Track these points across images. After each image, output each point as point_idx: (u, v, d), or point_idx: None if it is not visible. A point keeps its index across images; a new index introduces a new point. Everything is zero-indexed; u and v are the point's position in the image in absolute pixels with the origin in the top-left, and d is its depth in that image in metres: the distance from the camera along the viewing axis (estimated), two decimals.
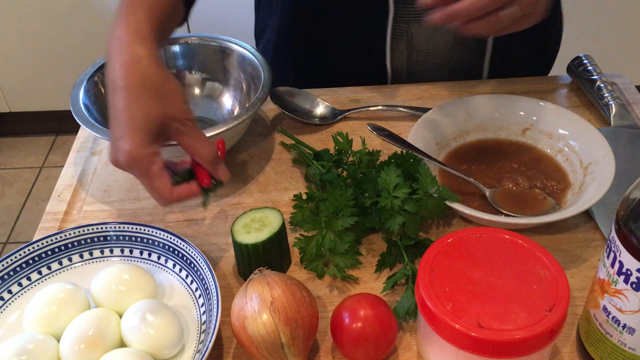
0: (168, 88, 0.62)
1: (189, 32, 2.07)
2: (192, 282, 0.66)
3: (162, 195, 0.62)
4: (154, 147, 0.61)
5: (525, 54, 0.95)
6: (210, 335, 0.57)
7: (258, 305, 0.56)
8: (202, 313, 0.63)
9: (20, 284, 0.67)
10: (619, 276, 0.50)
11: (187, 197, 0.63)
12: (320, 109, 0.88)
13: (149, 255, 0.69)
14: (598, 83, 0.86)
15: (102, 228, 0.69)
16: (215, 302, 0.60)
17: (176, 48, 0.89)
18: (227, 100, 0.89)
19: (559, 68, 0.99)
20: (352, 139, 0.76)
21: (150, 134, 0.60)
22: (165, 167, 0.63)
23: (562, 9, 0.99)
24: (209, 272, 0.63)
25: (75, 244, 0.69)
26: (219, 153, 0.65)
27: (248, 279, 0.59)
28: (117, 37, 0.64)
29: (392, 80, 0.94)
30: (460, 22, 0.64)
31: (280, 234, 0.66)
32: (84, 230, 0.69)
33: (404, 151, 0.71)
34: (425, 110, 0.81)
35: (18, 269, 0.67)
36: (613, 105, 0.84)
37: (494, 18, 0.63)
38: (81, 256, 0.69)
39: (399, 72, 0.93)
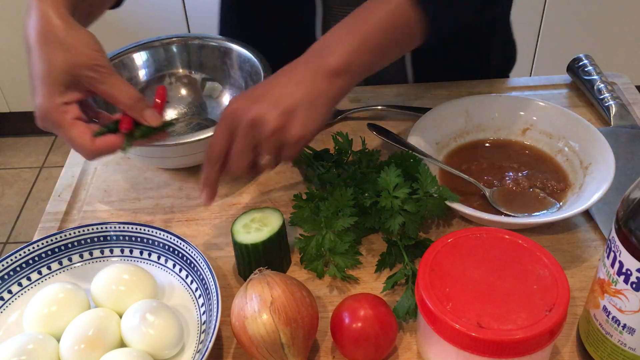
0: (72, 37, 0.60)
1: (189, 32, 2.07)
2: (192, 282, 0.66)
3: (81, 145, 0.61)
4: (65, 97, 0.60)
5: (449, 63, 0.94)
6: (210, 335, 0.57)
7: (258, 305, 0.56)
8: (202, 313, 0.63)
9: (20, 284, 0.67)
10: (619, 276, 0.50)
11: (109, 147, 0.62)
12: None
13: (149, 255, 0.69)
14: (598, 83, 0.86)
15: (102, 228, 0.69)
16: (215, 302, 0.60)
17: (176, 48, 0.89)
18: (227, 100, 0.89)
19: (559, 68, 0.99)
20: (352, 139, 0.76)
21: (57, 86, 0.60)
22: (94, 120, 0.63)
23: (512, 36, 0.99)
24: (209, 272, 0.63)
25: (75, 244, 0.69)
26: (159, 100, 0.64)
27: (248, 279, 0.59)
28: (29, 5, 0.62)
29: None
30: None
31: (280, 234, 0.66)
32: (84, 230, 0.69)
33: (404, 151, 0.71)
34: (425, 110, 0.81)
35: (18, 269, 0.67)
36: (613, 105, 0.84)
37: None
38: (81, 256, 0.69)
39: None
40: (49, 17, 0.60)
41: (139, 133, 0.64)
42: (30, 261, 0.67)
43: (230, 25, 0.96)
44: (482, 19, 0.79)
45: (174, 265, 0.68)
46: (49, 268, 0.68)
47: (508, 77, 1.01)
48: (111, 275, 0.64)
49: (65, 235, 0.69)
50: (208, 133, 0.73)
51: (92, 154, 0.62)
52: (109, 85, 0.62)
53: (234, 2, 0.96)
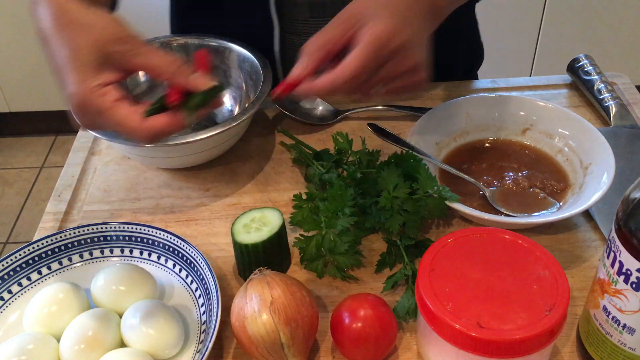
0: (91, 15, 0.56)
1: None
2: (192, 282, 0.66)
3: (131, 128, 0.54)
4: (99, 79, 0.54)
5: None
6: (210, 335, 0.57)
7: (258, 305, 0.56)
8: (202, 313, 0.63)
9: (20, 284, 0.67)
10: (619, 276, 0.50)
11: (165, 125, 0.55)
12: (320, 109, 0.88)
13: (149, 255, 0.69)
14: (598, 83, 0.86)
15: (102, 228, 0.69)
16: (215, 302, 0.60)
17: (176, 48, 0.89)
18: (227, 100, 0.89)
19: (559, 68, 0.99)
20: (352, 139, 0.76)
21: (88, 68, 0.54)
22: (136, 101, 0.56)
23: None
24: (209, 272, 0.63)
25: (75, 244, 0.69)
26: (204, 65, 0.58)
27: (248, 279, 0.59)
28: (33, 0, 0.59)
29: None
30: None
31: (280, 234, 0.66)
32: (84, 230, 0.69)
33: (404, 151, 0.71)
34: (425, 110, 0.81)
35: (18, 269, 0.67)
36: (613, 105, 0.84)
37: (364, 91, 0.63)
38: (81, 256, 0.69)
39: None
40: (60, 3, 0.56)
41: (193, 102, 0.56)
42: (30, 261, 0.67)
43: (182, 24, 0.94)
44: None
45: (174, 265, 0.68)
46: (49, 268, 0.68)
47: (476, 77, 1.01)
48: (111, 275, 0.64)
49: (65, 235, 0.69)
50: (208, 133, 0.73)
51: (145, 136, 0.55)
52: (144, 55, 0.56)
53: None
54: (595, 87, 0.86)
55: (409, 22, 0.62)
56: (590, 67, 0.89)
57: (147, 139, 0.55)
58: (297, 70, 0.63)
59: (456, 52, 0.95)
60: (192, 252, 0.66)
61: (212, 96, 0.57)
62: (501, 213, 0.70)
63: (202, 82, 0.57)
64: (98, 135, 0.75)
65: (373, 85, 0.63)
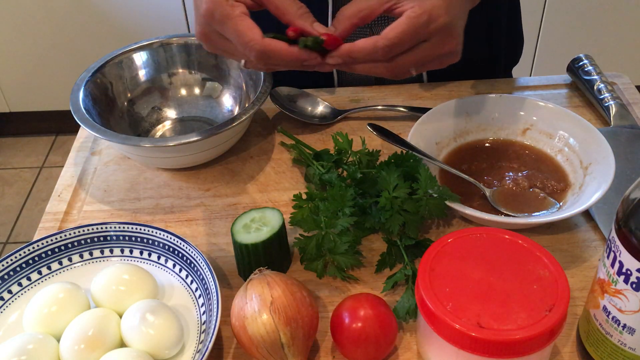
0: None
1: (189, 32, 2.07)
2: (192, 282, 0.66)
3: (251, 39, 0.56)
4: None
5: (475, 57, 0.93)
6: (210, 335, 0.57)
7: (258, 305, 0.56)
8: (202, 313, 0.63)
9: (20, 284, 0.67)
10: (619, 276, 0.50)
11: (281, 51, 0.58)
12: (320, 109, 0.88)
13: (149, 255, 0.69)
14: (598, 83, 0.86)
15: (102, 228, 0.69)
16: (215, 302, 0.60)
17: (176, 48, 0.89)
18: (227, 100, 0.89)
19: (559, 68, 0.99)
20: (352, 139, 0.76)
21: None
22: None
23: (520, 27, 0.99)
24: (209, 272, 0.63)
25: (75, 244, 0.69)
26: (334, 39, 0.60)
27: (248, 279, 0.59)
28: None
29: (339, 83, 0.93)
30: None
31: (280, 234, 0.66)
32: (84, 230, 0.69)
33: (404, 151, 0.71)
34: (425, 110, 0.81)
35: (18, 269, 0.67)
36: (613, 105, 0.84)
37: (394, 64, 0.62)
38: (81, 256, 0.69)
39: (365, 77, 0.92)
40: None
41: (310, 41, 0.59)
42: (30, 261, 0.67)
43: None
44: None
45: (174, 265, 0.68)
46: (49, 268, 0.68)
47: (511, 73, 1.01)
48: (111, 275, 0.64)
49: (65, 235, 0.69)
50: (208, 133, 0.73)
51: (261, 51, 0.57)
52: None
53: None
54: (595, 87, 0.86)
55: (454, 4, 0.60)
56: (590, 67, 0.89)
57: (261, 55, 0.57)
58: (330, 30, 0.62)
59: (499, 45, 0.95)
60: (192, 252, 0.66)
61: (316, 45, 0.60)
62: (501, 213, 0.70)
63: (321, 29, 0.60)
64: (98, 136, 0.75)
65: (407, 67, 0.62)
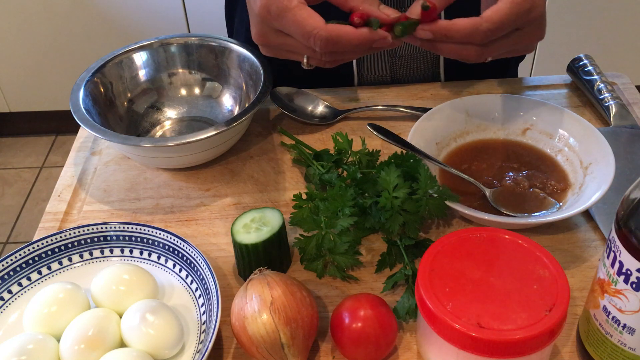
0: None
1: (189, 32, 2.07)
2: (192, 282, 0.66)
3: (313, 25, 0.54)
4: None
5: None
6: (210, 335, 0.57)
7: (258, 305, 0.56)
8: (202, 313, 0.63)
9: (20, 284, 0.67)
10: (619, 276, 0.50)
11: (346, 35, 0.55)
12: (320, 109, 0.88)
13: (149, 255, 0.69)
14: (598, 83, 0.86)
15: (102, 228, 0.69)
16: (215, 302, 0.60)
17: (176, 48, 0.89)
18: (227, 100, 0.89)
19: (559, 68, 0.99)
20: (352, 139, 0.76)
21: None
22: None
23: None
24: (209, 272, 0.63)
25: (75, 244, 0.69)
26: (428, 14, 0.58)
27: (248, 279, 0.59)
28: None
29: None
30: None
31: (280, 234, 0.66)
32: (84, 230, 0.69)
33: (404, 151, 0.71)
34: (425, 110, 0.81)
35: (18, 269, 0.67)
36: (613, 105, 0.84)
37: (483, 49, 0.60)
38: (81, 256, 0.69)
39: (382, 79, 0.92)
40: None
41: (406, 25, 0.57)
42: (30, 261, 0.67)
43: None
44: None
45: (174, 265, 0.68)
46: (49, 268, 0.68)
47: (516, 72, 1.01)
48: (111, 275, 0.64)
49: (65, 235, 0.69)
50: (208, 133, 0.73)
51: (327, 39, 0.54)
52: None
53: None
54: (595, 87, 0.86)
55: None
56: (590, 67, 0.89)
57: (326, 43, 0.54)
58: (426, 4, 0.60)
59: None
60: (192, 252, 0.66)
61: (412, 29, 0.58)
62: (501, 213, 0.70)
63: (389, 12, 0.58)
64: (98, 136, 0.75)
65: (497, 53, 0.60)
